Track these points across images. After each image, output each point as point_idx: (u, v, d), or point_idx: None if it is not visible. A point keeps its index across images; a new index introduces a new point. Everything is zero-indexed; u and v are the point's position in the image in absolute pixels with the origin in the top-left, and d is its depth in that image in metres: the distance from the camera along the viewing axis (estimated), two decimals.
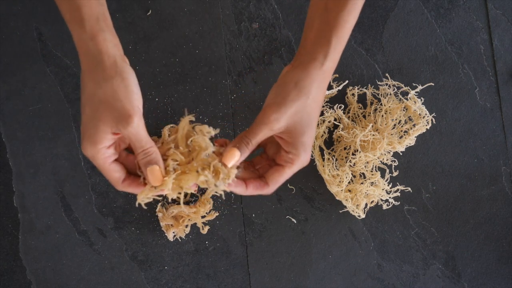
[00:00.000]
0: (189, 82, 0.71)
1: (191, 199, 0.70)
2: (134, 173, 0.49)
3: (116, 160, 0.47)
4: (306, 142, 0.48)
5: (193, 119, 0.49)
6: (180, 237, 0.69)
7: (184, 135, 0.49)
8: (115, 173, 0.46)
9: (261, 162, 0.52)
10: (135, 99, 0.44)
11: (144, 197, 0.47)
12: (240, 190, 0.49)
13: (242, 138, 0.48)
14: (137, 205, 0.48)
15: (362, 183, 0.69)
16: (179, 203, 0.67)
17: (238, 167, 0.50)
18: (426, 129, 0.70)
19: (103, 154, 0.45)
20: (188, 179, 0.47)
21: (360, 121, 0.71)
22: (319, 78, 0.47)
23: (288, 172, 0.49)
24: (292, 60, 0.50)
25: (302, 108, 0.47)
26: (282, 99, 0.46)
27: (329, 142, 0.72)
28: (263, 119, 0.46)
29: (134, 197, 0.70)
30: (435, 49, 0.74)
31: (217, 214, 0.70)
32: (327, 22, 0.47)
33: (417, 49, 0.74)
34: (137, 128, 0.44)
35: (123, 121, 0.43)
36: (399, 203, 0.72)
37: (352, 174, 0.70)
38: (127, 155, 0.50)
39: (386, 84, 0.72)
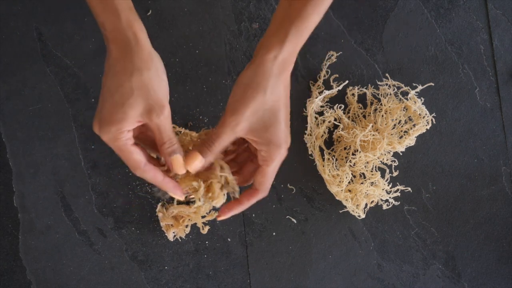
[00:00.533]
0: (189, 82, 0.71)
1: (191, 199, 0.70)
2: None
3: (137, 144, 0.47)
4: (273, 137, 0.47)
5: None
6: (180, 237, 0.69)
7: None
8: (137, 155, 0.46)
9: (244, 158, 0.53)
10: (168, 94, 0.46)
11: (184, 186, 0.50)
12: (238, 209, 0.51)
13: (205, 142, 0.48)
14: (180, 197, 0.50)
15: (362, 183, 0.69)
16: (178, 203, 0.67)
17: (234, 193, 0.51)
18: (426, 129, 0.70)
19: (126, 136, 0.45)
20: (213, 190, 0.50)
21: (360, 121, 0.71)
22: (274, 71, 0.46)
23: (269, 170, 0.49)
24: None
25: (261, 105, 0.46)
26: (239, 101, 0.46)
27: (329, 142, 0.72)
28: (223, 123, 0.47)
29: (134, 197, 0.70)
30: (435, 49, 0.74)
31: (217, 214, 0.70)
32: (289, 16, 0.46)
33: (417, 49, 0.74)
34: (168, 118, 0.46)
35: (157, 110, 0.44)
36: (399, 203, 0.72)
37: (352, 174, 0.70)
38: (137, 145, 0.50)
39: (386, 84, 0.72)
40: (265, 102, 0.46)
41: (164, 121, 0.45)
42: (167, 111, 0.45)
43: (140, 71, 0.44)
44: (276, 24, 0.47)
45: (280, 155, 0.48)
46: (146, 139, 0.51)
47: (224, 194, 0.51)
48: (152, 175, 0.47)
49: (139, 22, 0.45)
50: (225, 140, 0.47)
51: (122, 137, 0.45)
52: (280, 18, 0.47)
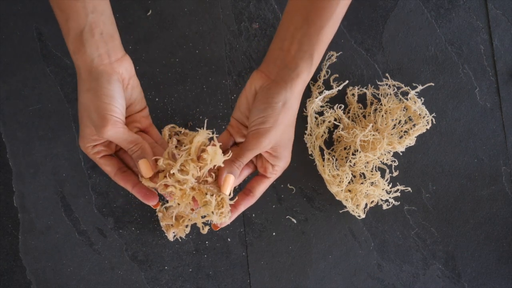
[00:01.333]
0: (189, 82, 0.71)
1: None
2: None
3: (107, 156, 0.52)
4: (288, 154, 0.52)
5: (211, 134, 0.52)
6: (180, 237, 0.69)
7: (198, 147, 0.52)
8: (105, 167, 0.51)
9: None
10: (107, 110, 0.47)
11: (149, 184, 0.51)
12: (235, 214, 0.53)
13: (234, 162, 0.51)
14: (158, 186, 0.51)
15: (362, 183, 0.69)
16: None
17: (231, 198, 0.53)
18: (426, 129, 0.70)
19: (92, 150, 0.50)
20: (196, 196, 0.51)
21: (360, 121, 0.71)
22: (299, 92, 0.49)
23: (271, 181, 0.54)
24: (265, 66, 0.50)
25: (288, 124, 0.49)
26: (273, 124, 0.48)
27: (329, 142, 0.72)
28: (257, 145, 0.49)
29: (134, 197, 0.70)
30: (435, 49, 0.74)
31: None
32: (309, 37, 0.47)
33: (417, 49, 0.74)
34: (113, 134, 0.48)
35: (99, 131, 0.47)
36: (399, 203, 0.72)
37: (352, 174, 0.70)
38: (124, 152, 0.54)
39: (386, 84, 0.72)
40: (290, 121, 0.49)
41: (110, 137, 0.48)
42: (108, 130, 0.47)
43: (82, 93, 0.48)
44: (296, 44, 0.47)
45: (283, 169, 0.53)
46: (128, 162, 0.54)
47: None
48: (122, 184, 0.51)
49: (84, 45, 0.46)
50: (251, 157, 0.50)
51: (90, 151, 0.50)
52: (300, 37, 0.47)
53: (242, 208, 0.54)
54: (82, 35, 0.46)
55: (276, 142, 0.49)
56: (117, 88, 0.48)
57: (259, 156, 0.54)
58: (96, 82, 0.47)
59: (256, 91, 0.50)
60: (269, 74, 0.49)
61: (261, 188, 0.53)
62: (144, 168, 0.50)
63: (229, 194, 0.51)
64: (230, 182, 0.50)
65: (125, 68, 0.50)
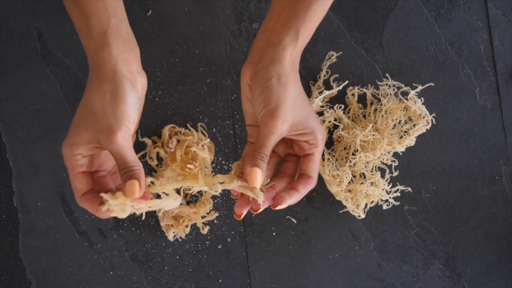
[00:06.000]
0: (189, 82, 0.71)
1: (191, 199, 0.70)
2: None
3: (86, 173, 0.46)
4: (315, 125, 0.47)
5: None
6: (180, 237, 0.69)
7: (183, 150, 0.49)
8: (78, 183, 0.45)
9: (278, 181, 0.50)
10: (124, 118, 0.43)
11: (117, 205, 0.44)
12: (295, 197, 0.47)
13: (256, 155, 0.46)
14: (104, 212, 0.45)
15: (362, 183, 0.69)
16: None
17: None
18: (426, 129, 0.70)
19: (76, 160, 0.45)
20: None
21: (360, 121, 0.71)
22: (291, 66, 0.46)
23: (318, 155, 0.48)
24: (249, 56, 0.48)
25: (295, 99, 0.46)
26: (276, 102, 0.45)
27: (329, 142, 0.72)
28: (271, 129, 0.45)
29: None
30: (435, 49, 0.74)
31: (217, 214, 0.70)
32: (296, 14, 0.45)
33: (417, 49, 0.74)
34: (121, 146, 0.43)
35: (106, 137, 0.43)
36: (399, 203, 0.72)
37: (352, 174, 0.70)
38: (104, 177, 0.48)
39: (386, 84, 0.72)
40: (296, 96, 0.46)
41: (115, 148, 0.43)
42: (119, 139, 0.43)
43: (96, 93, 0.44)
44: (282, 21, 0.46)
45: (324, 139, 0.48)
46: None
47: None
48: (87, 207, 0.45)
49: (109, 46, 0.44)
50: (273, 145, 0.46)
51: (72, 159, 0.44)
52: (286, 15, 0.46)
53: (302, 189, 0.48)
54: (107, 35, 0.44)
55: (292, 119, 0.46)
56: (136, 99, 0.45)
57: (293, 143, 0.50)
58: (118, 86, 0.44)
59: (249, 84, 0.48)
60: (254, 61, 0.47)
61: (311, 165, 0.48)
62: (132, 189, 0.43)
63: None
64: (257, 175, 0.45)
65: (142, 85, 0.47)
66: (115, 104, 0.43)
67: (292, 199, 0.47)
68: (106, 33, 0.44)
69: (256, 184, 0.45)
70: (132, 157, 0.44)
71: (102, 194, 0.43)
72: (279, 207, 0.48)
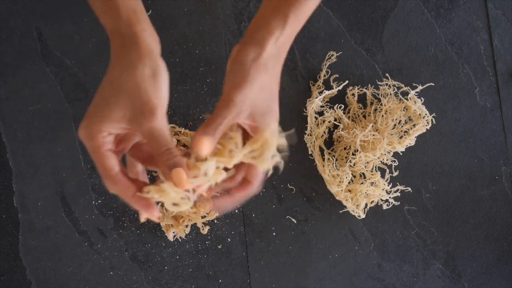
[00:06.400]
0: (189, 82, 0.71)
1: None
2: None
3: (114, 152, 0.42)
4: (271, 122, 0.44)
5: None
6: (180, 237, 0.69)
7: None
8: (108, 161, 0.40)
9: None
10: (164, 97, 0.41)
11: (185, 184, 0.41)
12: (229, 203, 0.45)
13: (209, 124, 0.42)
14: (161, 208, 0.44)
15: (362, 183, 0.69)
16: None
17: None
18: (426, 129, 0.70)
19: (103, 137, 0.40)
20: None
21: (360, 121, 0.71)
22: (274, 53, 0.44)
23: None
24: (243, 37, 0.46)
25: (264, 85, 0.43)
26: (243, 79, 0.42)
27: (329, 142, 0.72)
28: (228, 102, 0.41)
29: None
30: (435, 49, 0.74)
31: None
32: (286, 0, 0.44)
33: (417, 49, 0.74)
34: (161, 125, 0.40)
35: (146, 113, 0.39)
36: (399, 203, 0.72)
37: (352, 174, 0.70)
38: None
39: (386, 84, 0.72)
40: (267, 82, 0.43)
41: (156, 126, 0.40)
42: (159, 115, 0.40)
43: (133, 68, 0.40)
44: (272, 6, 0.45)
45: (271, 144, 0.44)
46: (141, 156, 0.45)
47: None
48: (123, 186, 0.41)
49: (143, 24, 0.42)
50: (227, 122, 0.42)
51: (99, 136, 0.40)
52: (276, 0, 0.45)
53: (237, 196, 0.45)
54: (136, 13, 0.41)
55: (253, 103, 0.42)
56: (168, 82, 0.42)
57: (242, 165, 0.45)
58: (158, 64, 0.41)
59: None
60: (244, 39, 0.45)
61: (252, 170, 0.44)
62: (182, 177, 0.40)
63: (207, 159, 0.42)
64: (206, 142, 0.41)
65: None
66: (156, 82, 0.40)
67: (225, 204, 0.45)
68: (135, 11, 0.41)
69: (201, 150, 0.41)
70: (170, 139, 0.41)
71: (149, 187, 0.40)
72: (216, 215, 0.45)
